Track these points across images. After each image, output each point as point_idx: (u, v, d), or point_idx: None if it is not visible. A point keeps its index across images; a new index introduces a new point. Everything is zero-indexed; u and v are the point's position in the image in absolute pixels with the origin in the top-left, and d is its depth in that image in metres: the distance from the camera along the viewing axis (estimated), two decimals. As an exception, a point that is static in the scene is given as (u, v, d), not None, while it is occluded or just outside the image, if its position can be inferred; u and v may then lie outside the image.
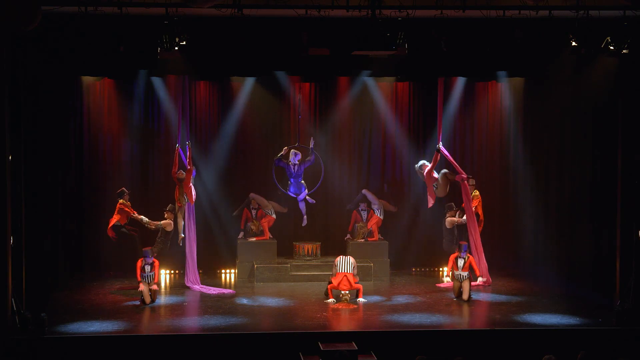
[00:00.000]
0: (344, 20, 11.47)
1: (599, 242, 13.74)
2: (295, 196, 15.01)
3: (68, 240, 14.60)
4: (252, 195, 15.26)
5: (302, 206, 15.13)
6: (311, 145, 14.84)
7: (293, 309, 12.48)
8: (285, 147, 14.92)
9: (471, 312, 12.32)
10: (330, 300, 12.85)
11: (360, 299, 12.89)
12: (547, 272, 14.87)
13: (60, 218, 14.16)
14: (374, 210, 15.35)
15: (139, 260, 12.95)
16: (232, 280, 15.04)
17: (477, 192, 14.62)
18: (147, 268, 12.85)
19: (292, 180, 14.91)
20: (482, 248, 14.18)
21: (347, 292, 12.73)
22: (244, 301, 13.08)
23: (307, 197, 15.07)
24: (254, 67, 12.81)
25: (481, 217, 14.61)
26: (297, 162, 14.81)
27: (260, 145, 15.90)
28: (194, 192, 14.05)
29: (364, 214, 15.48)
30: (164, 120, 15.34)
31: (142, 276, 12.79)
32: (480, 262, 14.08)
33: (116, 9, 10.96)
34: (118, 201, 14.08)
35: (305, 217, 15.24)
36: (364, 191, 15.42)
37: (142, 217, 14.15)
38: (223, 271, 15.53)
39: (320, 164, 15.05)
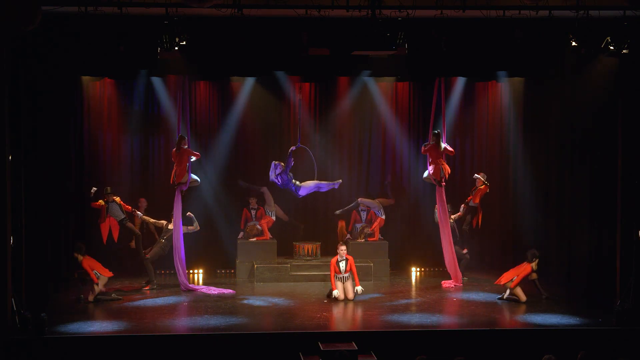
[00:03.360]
0: (344, 20, 11.48)
1: (599, 242, 13.73)
2: (305, 194, 14.59)
3: (68, 240, 14.59)
4: (263, 189, 15.11)
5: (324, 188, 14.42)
6: (291, 149, 13.84)
7: (293, 309, 12.48)
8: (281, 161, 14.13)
9: (471, 312, 12.31)
10: (334, 291, 12.83)
11: (358, 287, 12.92)
12: (547, 272, 14.88)
13: (61, 218, 14.14)
14: (375, 212, 15.33)
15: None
16: (232, 280, 15.04)
17: (483, 187, 14.59)
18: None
19: (292, 188, 14.01)
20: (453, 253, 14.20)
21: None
22: (244, 301, 13.07)
23: (324, 183, 14.34)
24: (254, 67, 12.81)
25: (479, 209, 14.73)
26: (279, 174, 13.87)
27: (260, 145, 15.89)
28: (190, 177, 13.76)
29: (364, 215, 15.47)
30: (164, 120, 15.33)
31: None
32: (452, 263, 14.18)
33: (116, 9, 10.97)
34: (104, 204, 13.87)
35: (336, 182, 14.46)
36: (359, 200, 15.35)
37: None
38: (223, 271, 15.54)
39: (312, 162, 14.28)
